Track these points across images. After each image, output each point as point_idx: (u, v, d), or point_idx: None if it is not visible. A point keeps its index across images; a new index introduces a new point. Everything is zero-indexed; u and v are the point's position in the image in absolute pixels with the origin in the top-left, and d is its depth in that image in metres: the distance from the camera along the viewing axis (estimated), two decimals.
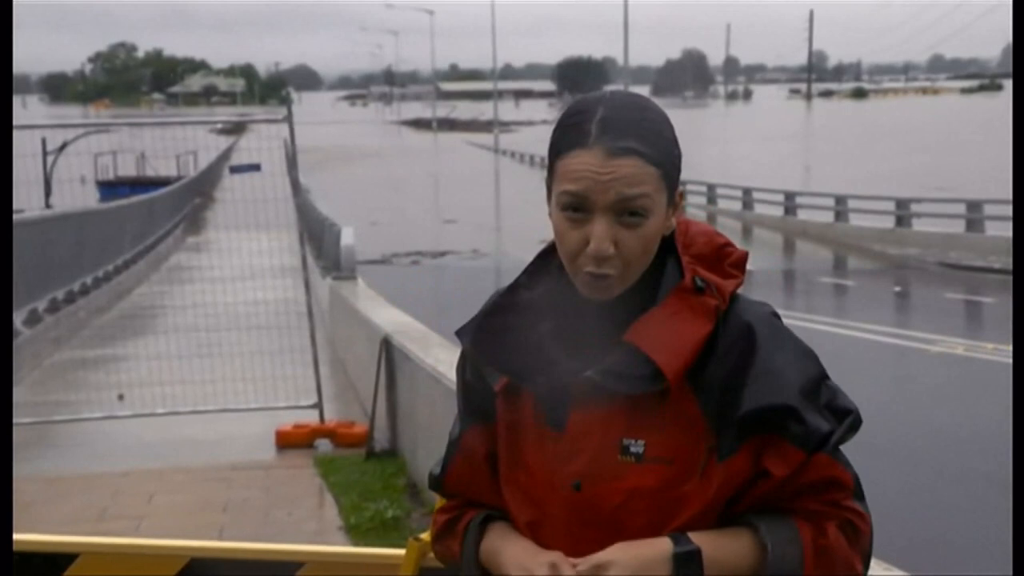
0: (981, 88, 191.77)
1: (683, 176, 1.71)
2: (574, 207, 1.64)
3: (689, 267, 1.69)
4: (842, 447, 1.68)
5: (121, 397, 10.08)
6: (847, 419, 1.68)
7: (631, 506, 1.64)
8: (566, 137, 1.66)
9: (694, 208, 33.51)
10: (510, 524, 1.76)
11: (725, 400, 1.63)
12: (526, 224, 22.02)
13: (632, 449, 1.64)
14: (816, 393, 1.66)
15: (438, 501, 1.91)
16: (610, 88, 1.74)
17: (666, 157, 1.66)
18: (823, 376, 1.68)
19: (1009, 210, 20.87)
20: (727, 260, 1.73)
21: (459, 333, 1.76)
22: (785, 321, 1.70)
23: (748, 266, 1.74)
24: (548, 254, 1.75)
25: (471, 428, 1.81)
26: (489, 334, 1.73)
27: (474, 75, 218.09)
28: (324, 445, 8.79)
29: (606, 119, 1.64)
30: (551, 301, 1.72)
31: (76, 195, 15.10)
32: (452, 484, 1.84)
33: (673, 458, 1.64)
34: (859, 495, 1.69)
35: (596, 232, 1.62)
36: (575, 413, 1.67)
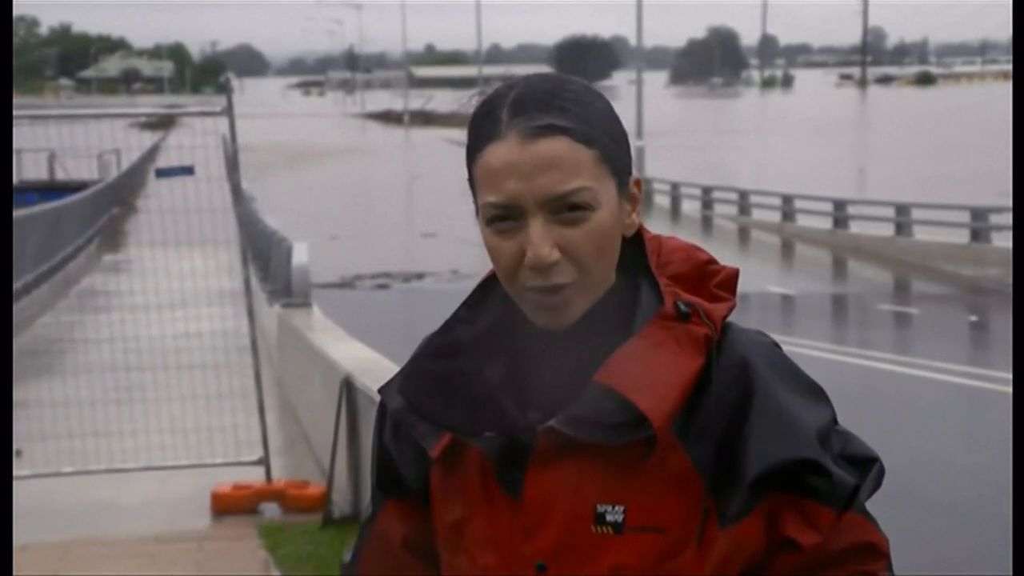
0: None
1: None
2: (501, 216, 1.62)
3: (668, 290, 1.65)
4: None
5: (19, 453, 10.05)
6: (871, 469, 1.66)
7: None
8: (477, 132, 1.65)
9: (722, 219, 33.70)
10: None
11: (725, 451, 1.61)
12: None
13: (609, 517, 1.61)
14: (829, 440, 1.64)
15: None
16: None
17: (602, 133, 1.63)
18: (834, 420, 1.67)
19: None
20: (713, 280, 1.69)
21: (383, 391, 1.73)
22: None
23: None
24: (491, 281, 1.72)
25: (385, 507, 1.78)
26: (423, 386, 1.68)
27: (454, 58, 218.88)
28: (271, 510, 8.78)
29: (519, 98, 1.62)
30: (499, 337, 1.69)
31: None
32: None
33: (662, 526, 1.61)
34: (890, 565, 1.68)
35: (531, 237, 1.59)
36: (535, 475, 1.63)
